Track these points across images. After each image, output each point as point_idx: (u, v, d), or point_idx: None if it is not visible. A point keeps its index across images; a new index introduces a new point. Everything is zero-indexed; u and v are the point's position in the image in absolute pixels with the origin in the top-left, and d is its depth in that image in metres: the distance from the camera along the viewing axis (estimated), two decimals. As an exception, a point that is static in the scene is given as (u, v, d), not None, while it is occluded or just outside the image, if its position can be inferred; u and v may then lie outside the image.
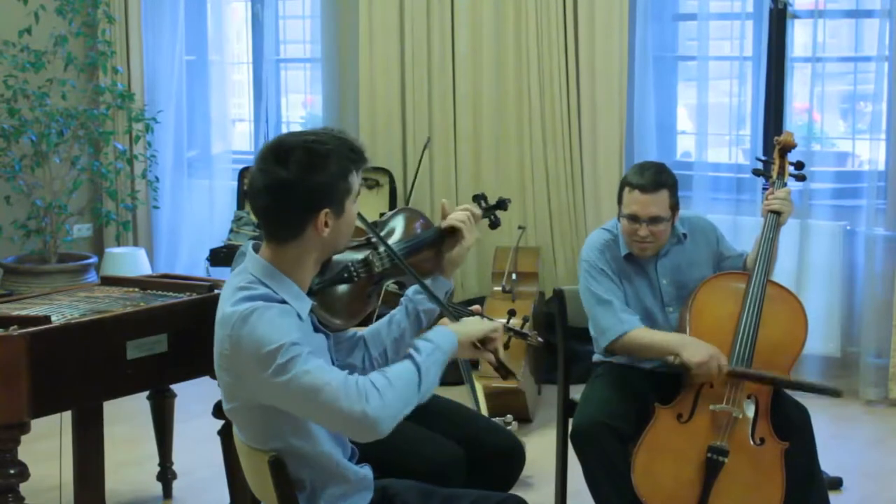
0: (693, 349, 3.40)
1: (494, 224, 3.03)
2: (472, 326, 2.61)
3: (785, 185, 3.73)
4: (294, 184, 2.40)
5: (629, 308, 3.61)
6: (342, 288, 2.68)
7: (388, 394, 2.35)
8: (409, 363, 2.44)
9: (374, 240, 2.79)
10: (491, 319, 2.75)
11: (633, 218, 3.56)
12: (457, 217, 2.85)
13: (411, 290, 2.84)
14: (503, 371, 2.64)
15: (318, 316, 2.64)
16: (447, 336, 2.53)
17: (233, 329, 2.38)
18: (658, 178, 3.55)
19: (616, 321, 3.56)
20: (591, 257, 3.66)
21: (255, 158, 2.49)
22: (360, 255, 2.75)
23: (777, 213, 3.63)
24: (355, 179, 2.49)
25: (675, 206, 3.60)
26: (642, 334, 3.54)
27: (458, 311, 2.98)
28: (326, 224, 2.44)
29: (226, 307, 2.44)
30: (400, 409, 2.38)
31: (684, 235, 3.72)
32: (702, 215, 3.90)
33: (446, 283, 2.88)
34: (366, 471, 2.64)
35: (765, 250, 3.57)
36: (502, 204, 3.04)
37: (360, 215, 2.61)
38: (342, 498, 2.56)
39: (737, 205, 5.68)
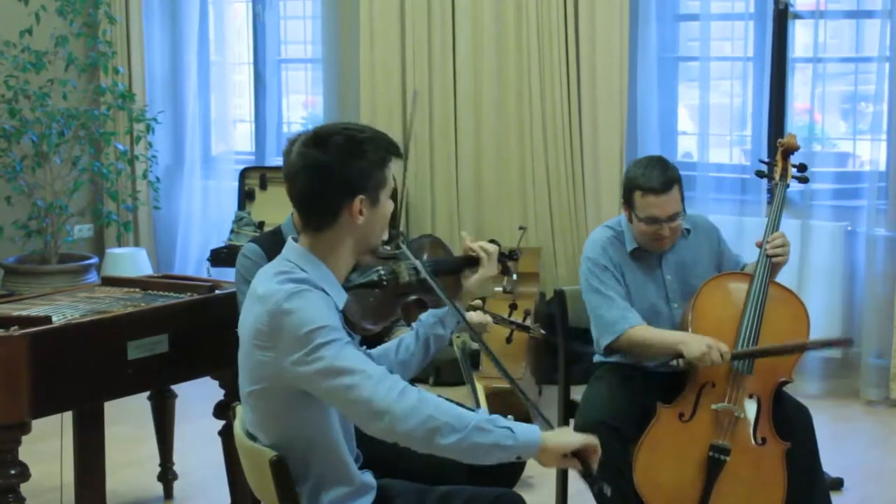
0: (692, 345, 3.38)
1: (506, 272, 3.08)
2: (568, 437, 2.45)
3: (778, 227, 3.66)
4: (331, 167, 2.44)
5: (632, 306, 3.61)
6: (369, 291, 2.72)
7: (425, 404, 2.32)
8: (471, 412, 2.39)
9: (401, 253, 2.83)
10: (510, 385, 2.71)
11: (653, 220, 3.54)
12: (477, 246, 2.89)
13: (424, 315, 2.86)
14: (591, 480, 2.46)
15: (347, 314, 2.65)
16: (530, 431, 2.39)
17: (276, 305, 2.39)
18: (667, 175, 3.53)
19: (619, 317, 3.55)
20: (594, 255, 3.65)
21: (294, 145, 2.51)
22: (388, 264, 2.81)
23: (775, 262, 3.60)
24: (390, 173, 2.53)
25: (683, 197, 3.60)
26: (644, 331, 3.53)
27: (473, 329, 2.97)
28: (361, 212, 2.47)
29: (266, 286, 2.45)
30: (422, 423, 2.31)
31: (687, 231, 3.72)
32: (703, 215, 3.89)
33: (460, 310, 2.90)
34: (367, 477, 2.65)
35: (764, 269, 3.56)
36: (514, 255, 3.09)
37: (391, 228, 2.66)
38: (345, 499, 2.56)
39: (741, 205, 5.67)
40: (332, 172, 2.44)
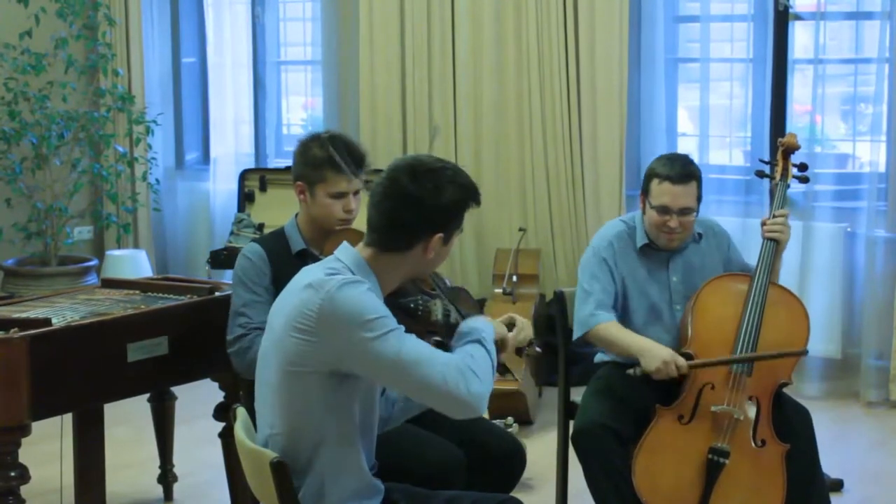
0: (649, 358, 3.42)
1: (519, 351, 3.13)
2: (496, 326, 2.69)
3: (782, 207, 3.68)
4: (424, 201, 2.52)
5: (631, 304, 3.62)
6: (400, 315, 2.76)
7: (482, 377, 2.47)
8: (483, 351, 2.54)
9: (439, 293, 2.90)
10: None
11: (664, 209, 3.57)
12: (510, 317, 2.96)
13: None
14: (501, 368, 2.73)
15: None
16: (490, 330, 2.62)
17: (328, 292, 2.44)
18: (687, 168, 3.59)
19: (588, 314, 3.59)
20: (598, 245, 3.68)
21: (387, 169, 2.59)
22: (426, 298, 2.88)
23: (776, 241, 3.62)
24: (464, 218, 2.61)
25: (700, 198, 3.63)
26: (611, 329, 3.56)
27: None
28: (433, 248, 2.55)
29: (315, 276, 2.50)
30: (488, 391, 2.48)
31: (699, 235, 3.73)
32: (715, 220, 3.90)
33: None
34: (378, 482, 2.66)
35: (765, 266, 3.56)
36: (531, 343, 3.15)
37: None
38: (353, 497, 2.57)
39: (744, 207, 5.66)
40: (423, 207, 2.52)
